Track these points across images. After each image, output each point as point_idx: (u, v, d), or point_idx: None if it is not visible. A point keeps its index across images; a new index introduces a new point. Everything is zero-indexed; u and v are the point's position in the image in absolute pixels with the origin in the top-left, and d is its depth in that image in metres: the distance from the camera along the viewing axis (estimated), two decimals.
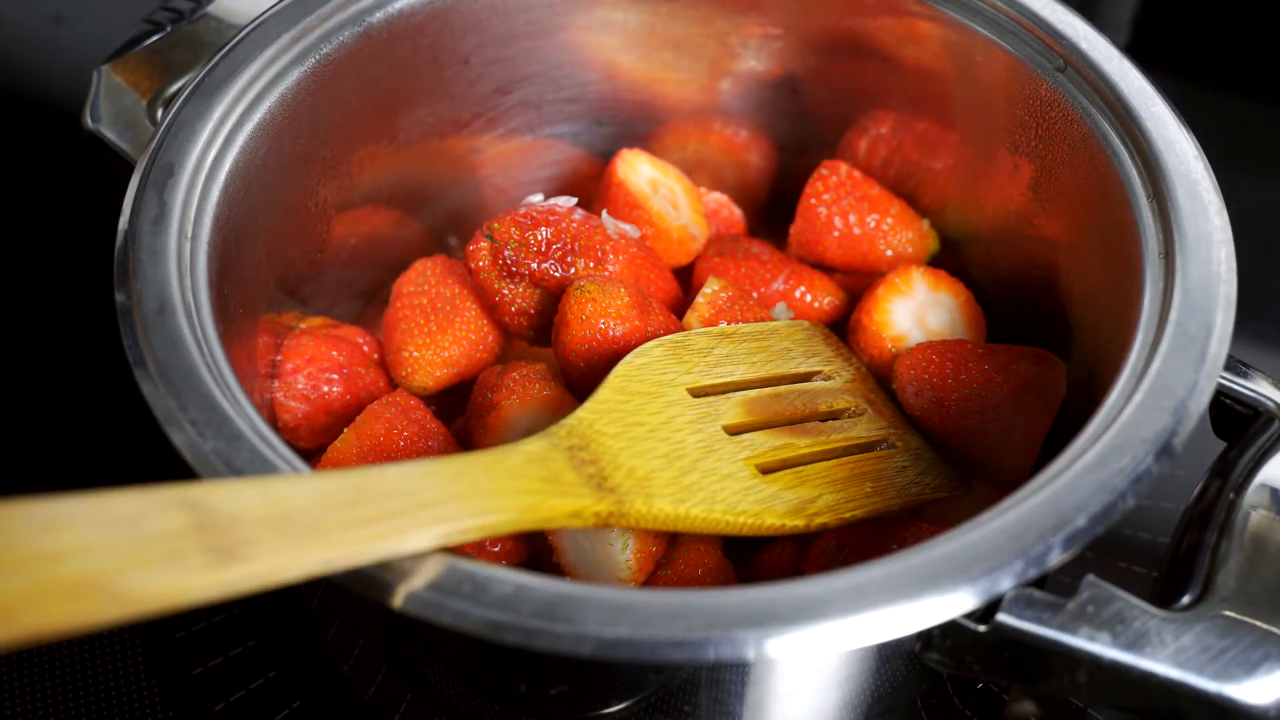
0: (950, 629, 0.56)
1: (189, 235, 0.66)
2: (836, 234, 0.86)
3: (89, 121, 0.79)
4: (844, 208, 0.86)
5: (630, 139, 0.92)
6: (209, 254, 0.67)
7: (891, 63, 0.84)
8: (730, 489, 0.66)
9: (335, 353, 0.79)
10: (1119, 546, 0.86)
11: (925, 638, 0.58)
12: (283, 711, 0.79)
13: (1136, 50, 0.76)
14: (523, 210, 0.78)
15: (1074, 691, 0.56)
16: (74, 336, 0.99)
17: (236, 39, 0.74)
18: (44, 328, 1.00)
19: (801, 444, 0.72)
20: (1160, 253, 0.66)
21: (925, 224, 0.88)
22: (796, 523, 0.67)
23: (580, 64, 0.89)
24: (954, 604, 0.54)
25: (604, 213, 0.84)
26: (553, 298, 0.77)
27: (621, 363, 0.70)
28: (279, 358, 0.78)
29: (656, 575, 0.71)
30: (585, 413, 0.65)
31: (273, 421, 0.77)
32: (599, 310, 0.73)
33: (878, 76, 0.86)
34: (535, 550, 0.75)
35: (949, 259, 0.88)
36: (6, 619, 0.42)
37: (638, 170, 0.87)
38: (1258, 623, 0.56)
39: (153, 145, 0.69)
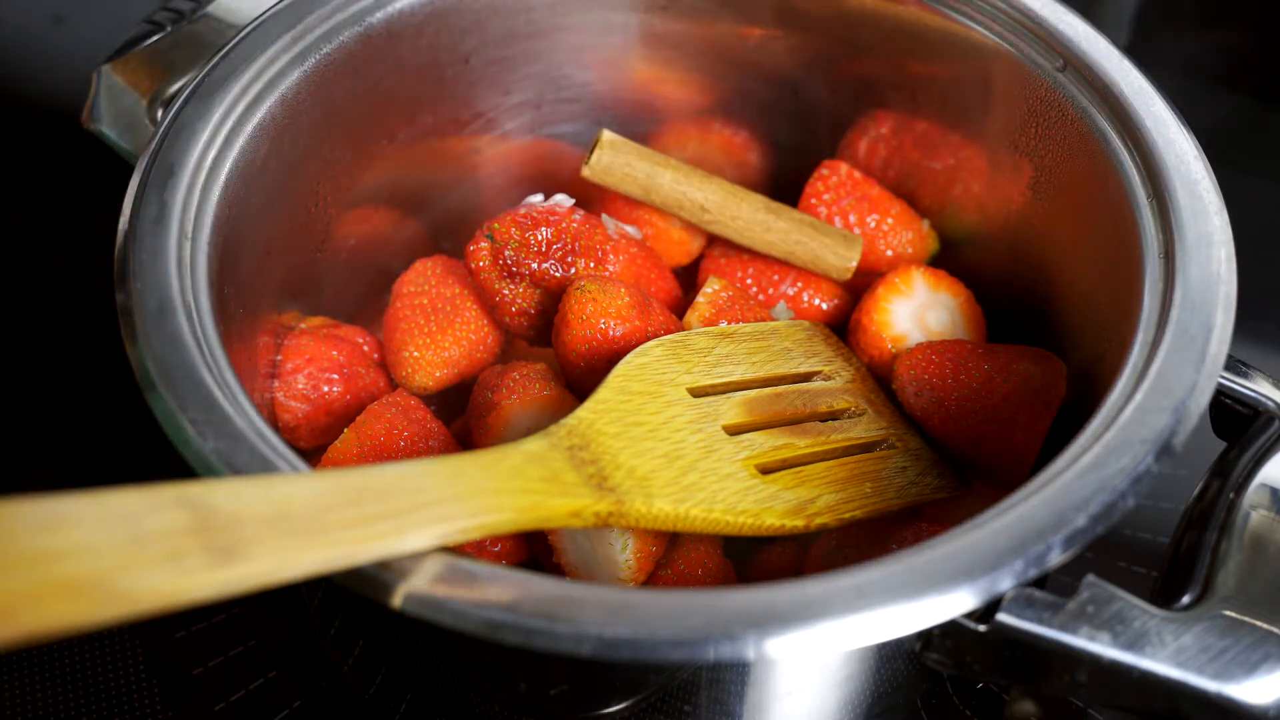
0: (950, 629, 0.56)
1: (189, 235, 0.66)
2: None
3: (89, 121, 0.79)
4: (844, 208, 0.86)
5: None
6: (209, 254, 0.67)
7: (891, 63, 0.84)
8: (730, 489, 0.66)
9: (335, 353, 0.79)
10: (1119, 546, 0.86)
11: (925, 638, 0.58)
12: (283, 711, 0.79)
13: (1136, 50, 0.76)
14: (523, 210, 0.78)
15: (1074, 691, 0.56)
16: (74, 336, 0.99)
17: (236, 39, 0.74)
18: (44, 328, 1.00)
19: (801, 444, 0.72)
20: (1160, 253, 0.66)
21: (925, 224, 0.88)
22: (796, 523, 0.67)
23: (580, 64, 0.89)
24: (954, 604, 0.54)
25: (604, 213, 0.84)
26: (553, 298, 0.77)
27: (621, 362, 0.70)
28: (279, 358, 0.78)
29: (656, 575, 0.71)
30: (585, 412, 0.65)
31: (273, 421, 0.77)
32: (599, 310, 0.73)
33: (878, 76, 0.86)
34: (535, 550, 0.75)
35: (949, 259, 0.88)
36: (6, 618, 0.42)
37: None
38: (1258, 623, 0.56)
39: (153, 145, 0.69)
